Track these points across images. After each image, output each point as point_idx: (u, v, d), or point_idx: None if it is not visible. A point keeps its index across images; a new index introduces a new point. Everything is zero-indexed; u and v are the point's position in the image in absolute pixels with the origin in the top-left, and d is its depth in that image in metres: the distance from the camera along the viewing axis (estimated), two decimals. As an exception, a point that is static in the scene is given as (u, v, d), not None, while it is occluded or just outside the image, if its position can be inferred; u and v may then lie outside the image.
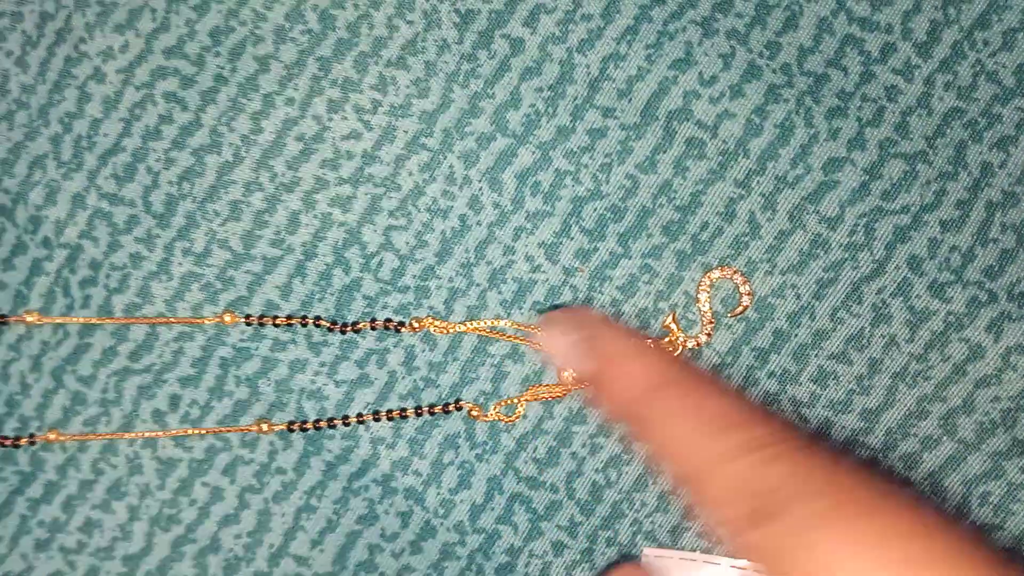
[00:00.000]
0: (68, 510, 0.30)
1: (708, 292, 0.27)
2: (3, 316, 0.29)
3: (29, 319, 0.29)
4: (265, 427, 0.29)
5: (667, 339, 0.27)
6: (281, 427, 0.29)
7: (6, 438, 0.29)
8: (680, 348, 0.27)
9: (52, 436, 0.29)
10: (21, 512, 0.30)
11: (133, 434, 0.29)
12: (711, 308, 0.27)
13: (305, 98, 0.29)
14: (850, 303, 0.27)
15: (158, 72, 0.29)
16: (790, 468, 0.20)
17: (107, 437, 0.29)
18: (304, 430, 0.29)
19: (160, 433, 0.29)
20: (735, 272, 0.27)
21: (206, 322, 0.29)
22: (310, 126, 0.29)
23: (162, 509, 0.29)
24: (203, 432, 0.29)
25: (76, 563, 0.30)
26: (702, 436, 0.21)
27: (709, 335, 0.27)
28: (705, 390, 0.22)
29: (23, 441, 0.29)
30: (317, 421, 0.29)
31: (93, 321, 0.29)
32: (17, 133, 0.30)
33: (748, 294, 0.27)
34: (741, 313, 0.27)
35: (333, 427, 0.28)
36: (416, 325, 0.28)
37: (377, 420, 0.28)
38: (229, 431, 0.29)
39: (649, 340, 0.27)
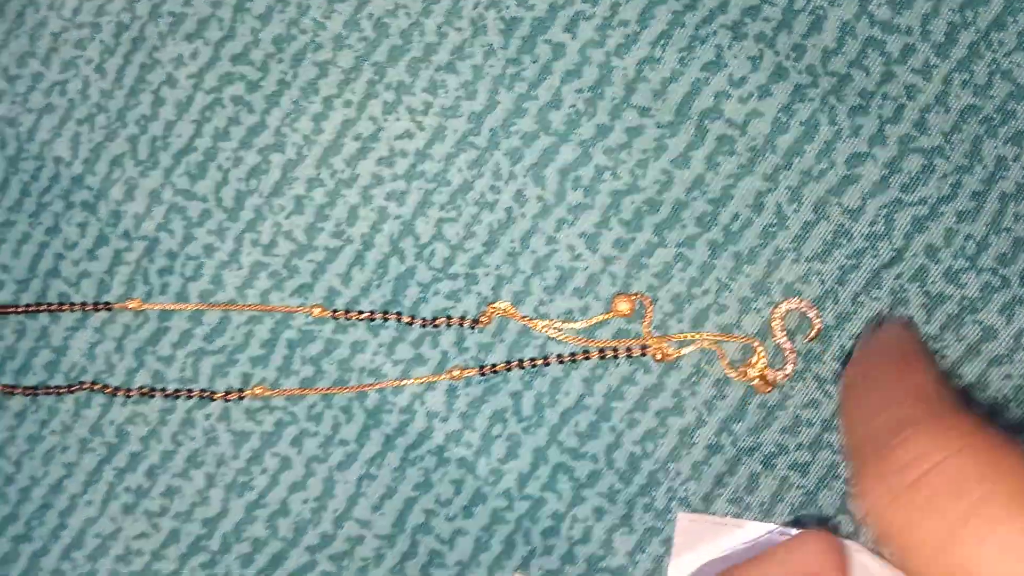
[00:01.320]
0: (151, 477, 0.32)
1: (781, 323, 0.28)
2: (108, 304, 0.31)
3: (131, 306, 0.31)
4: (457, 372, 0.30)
5: (761, 376, 0.28)
6: (473, 371, 0.30)
7: (218, 392, 0.31)
8: (775, 384, 0.28)
9: (258, 391, 0.31)
10: (109, 479, 0.32)
11: (344, 389, 0.31)
12: (788, 339, 0.28)
13: (362, 100, 0.30)
14: (870, 288, 0.28)
15: (226, 77, 0.31)
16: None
17: (318, 391, 0.31)
18: (493, 371, 0.30)
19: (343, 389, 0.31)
20: (801, 302, 0.28)
21: (300, 311, 0.30)
22: (366, 126, 0.30)
23: (236, 477, 0.31)
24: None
25: (159, 525, 0.32)
26: None
27: (794, 364, 0.28)
28: None
29: (233, 395, 0.31)
30: (509, 363, 0.30)
31: (202, 307, 0.31)
32: (98, 135, 0.32)
33: (818, 317, 0.28)
34: (815, 337, 0.28)
35: (534, 365, 0.30)
36: (486, 316, 0.30)
37: (547, 365, 0.30)
38: (434, 377, 0.30)
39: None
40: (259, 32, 0.31)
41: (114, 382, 0.32)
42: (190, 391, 0.31)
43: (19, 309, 0.32)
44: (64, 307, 0.32)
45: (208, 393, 0.31)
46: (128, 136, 0.32)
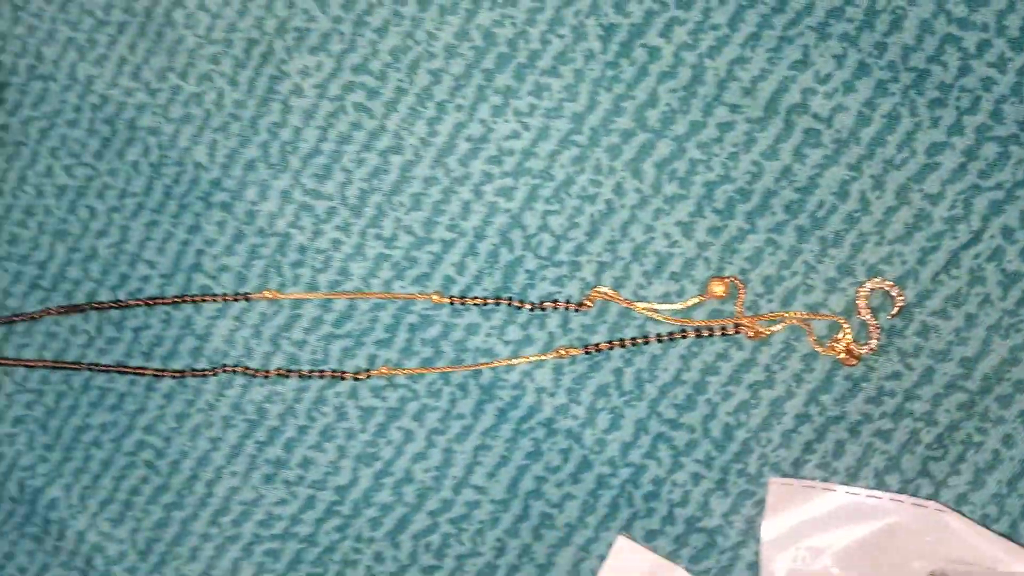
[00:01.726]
0: (288, 450, 0.35)
1: (866, 301, 0.30)
2: (247, 294, 0.35)
3: (268, 295, 0.34)
4: (563, 351, 0.32)
5: (847, 350, 0.30)
6: (578, 350, 0.32)
7: (348, 372, 0.34)
8: (859, 358, 0.30)
9: (384, 370, 0.34)
10: (250, 452, 0.35)
11: (459, 367, 0.33)
12: (872, 316, 0.30)
13: (472, 104, 0.33)
14: (950, 268, 0.30)
15: (348, 86, 0.34)
16: None
17: (437, 370, 0.34)
18: (597, 349, 0.32)
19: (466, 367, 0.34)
20: (884, 281, 0.29)
21: (420, 297, 0.33)
22: (477, 128, 0.33)
23: (364, 448, 0.34)
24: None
25: (297, 493, 0.35)
26: None
27: (877, 339, 0.30)
28: None
29: (361, 375, 0.34)
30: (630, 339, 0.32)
31: (332, 296, 0.34)
32: (232, 141, 0.35)
33: (901, 295, 0.29)
34: (897, 313, 0.30)
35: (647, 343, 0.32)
36: (589, 300, 0.32)
37: (647, 343, 0.32)
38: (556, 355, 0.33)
39: None
40: (377, 44, 0.33)
41: (253, 365, 0.35)
42: (322, 371, 0.34)
43: (166, 300, 0.36)
44: (207, 298, 0.35)
45: (339, 373, 0.34)
46: (260, 142, 0.34)
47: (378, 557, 0.34)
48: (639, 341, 0.32)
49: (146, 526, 0.36)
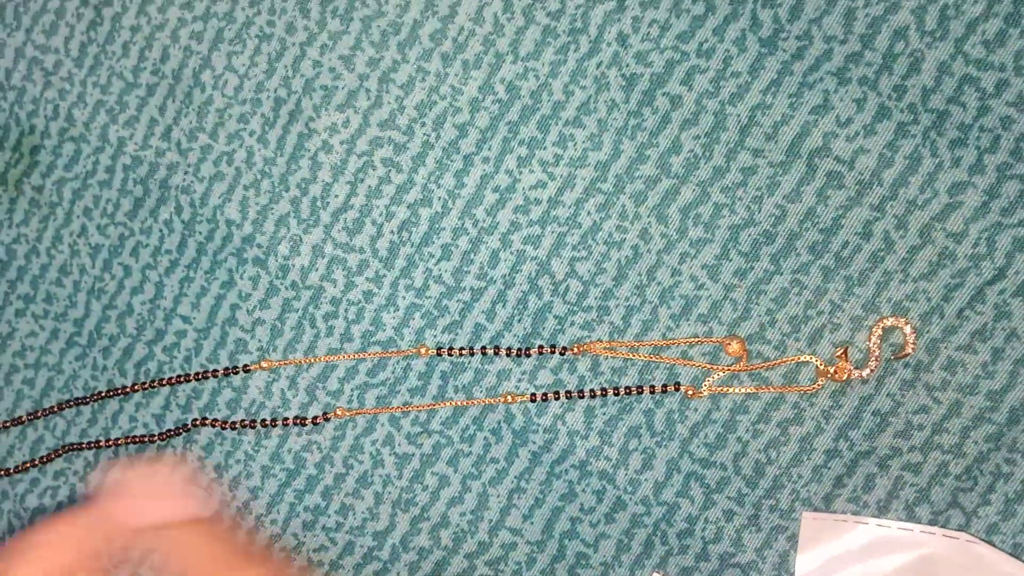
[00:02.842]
0: (326, 497, 0.32)
1: (879, 335, 0.27)
2: (246, 367, 0.32)
3: (265, 366, 0.32)
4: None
5: (836, 368, 0.28)
6: (524, 398, 0.30)
7: (304, 418, 0.32)
8: (847, 377, 0.28)
9: (340, 412, 0.31)
10: (290, 501, 0.33)
11: (422, 406, 0.31)
12: (880, 350, 0.27)
13: (498, 156, 0.30)
14: (974, 303, 0.28)
15: (375, 142, 0.31)
16: None
17: (385, 411, 0.31)
18: (544, 398, 0.30)
19: (432, 404, 0.31)
20: (906, 322, 0.27)
21: (409, 352, 0.31)
22: (503, 179, 0.30)
23: (401, 494, 0.32)
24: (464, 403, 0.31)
25: (336, 539, 0.32)
26: None
27: (872, 371, 0.28)
28: None
29: (320, 419, 0.32)
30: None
31: (327, 359, 0.32)
32: (263, 198, 0.32)
33: (913, 344, 0.27)
34: (905, 357, 0.27)
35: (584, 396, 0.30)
36: (577, 350, 0.30)
37: (584, 396, 0.30)
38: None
39: None
40: (403, 100, 0.31)
41: (290, 413, 0.32)
42: (285, 419, 0.32)
43: (162, 382, 0.33)
44: (200, 375, 0.33)
45: (300, 419, 0.32)
46: (291, 198, 0.32)
47: (418, 601, 0.32)
48: (574, 394, 0.30)
49: (188, 576, 0.33)
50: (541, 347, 0.30)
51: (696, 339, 0.29)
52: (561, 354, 0.30)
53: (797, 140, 0.28)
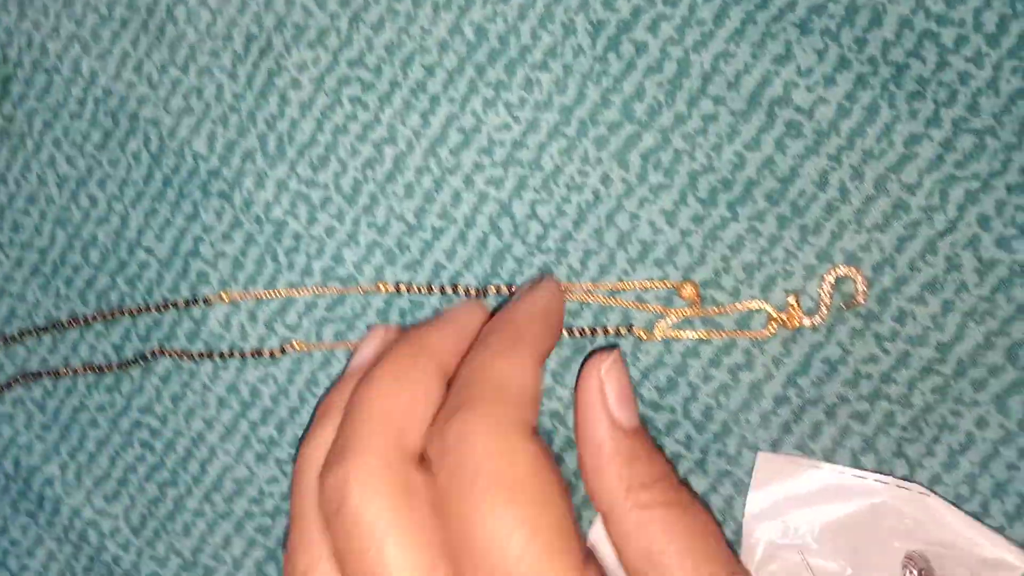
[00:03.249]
0: (281, 430, 0.31)
1: (831, 284, 0.27)
2: (206, 299, 0.31)
3: (224, 298, 0.31)
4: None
5: (786, 315, 0.27)
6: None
7: (260, 351, 0.31)
8: (797, 324, 0.27)
9: (297, 345, 0.31)
10: (244, 432, 0.32)
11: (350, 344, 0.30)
12: (831, 299, 0.27)
13: (464, 97, 0.30)
14: (926, 255, 0.27)
15: (343, 80, 0.30)
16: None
17: (341, 346, 0.31)
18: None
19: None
20: (858, 272, 0.27)
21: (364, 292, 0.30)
22: (469, 120, 0.30)
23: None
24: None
25: (288, 472, 0.31)
26: None
27: (823, 319, 0.27)
28: None
29: (277, 352, 0.31)
30: None
31: (291, 294, 0.30)
32: (231, 132, 0.31)
33: (864, 294, 0.26)
34: (855, 307, 0.27)
35: None
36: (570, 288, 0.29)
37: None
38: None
39: None
40: (372, 39, 0.30)
41: (247, 346, 0.31)
42: (242, 352, 0.31)
43: (123, 311, 0.32)
44: (163, 307, 0.31)
45: (256, 352, 0.31)
46: (258, 134, 0.31)
47: (368, 536, 0.31)
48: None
49: (140, 503, 0.32)
50: (499, 286, 0.29)
51: (651, 282, 0.28)
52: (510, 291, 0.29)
53: (758, 89, 0.27)
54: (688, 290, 0.28)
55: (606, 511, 0.23)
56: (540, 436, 0.23)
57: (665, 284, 0.28)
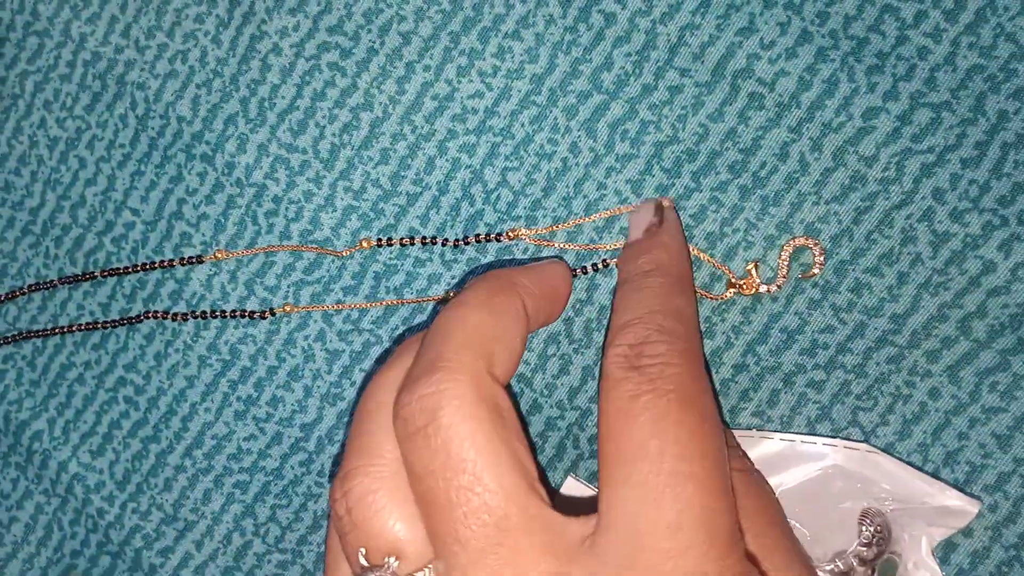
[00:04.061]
0: (259, 389, 0.33)
1: (790, 253, 0.28)
2: (199, 257, 0.32)
3: (220, 256, 0.32)
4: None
5: (745, 282, 0.28)
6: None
7: (252, 312, 0.32)
8: (754, 291, 0.28)
9: (288, 308, 0.32)
10: (224, 390, 0.33)
11: (365, 304, 0.32)
12: (788, 267, 0.28)
13: (439, 65, 0.31)
14: (883, 227, 0.28)
15: (323, 46, 0.32)
16: None
17: (332, 308, 0.32)
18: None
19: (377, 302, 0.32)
20: (816, 243, 0.28)
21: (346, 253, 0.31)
22: (443, 88, 0.31)
23: (330, 389, 0.32)
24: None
25: (265, 429, 0.33)
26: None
27: (779, 287, 0.28)
28: None
29: (267, 314, 0.32)
30: None
31: (273, 248, 0.32)
32: (214, 96, 0.33)
33: (821, 264, 0.28)
34: (812, 277, 0.28)
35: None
36: (511, 235, 0.30)
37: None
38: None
39: None
40: (351, 7, 0.31)
41: (228, 307, 0.33)
42: (232, 312, 0.32)
43: (118, 271, 0.33)
44: (157, 264, 0.33)
45: (245, 312, 0.32)
46: (240, 98, 0.32)
47: (339, 491, 0.32)
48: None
49: (124, 458, 0.34)
50: (479, 236, 0.30)
51: (620, 208, 0.29)
52: (497, 240, 0.30)
53: (723, 61, 0.28)
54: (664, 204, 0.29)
55: None
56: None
57: (633, 207, 0.29)
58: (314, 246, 0.32)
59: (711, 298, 0.29)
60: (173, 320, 0.33)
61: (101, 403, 0.34)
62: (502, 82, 0.30)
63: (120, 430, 0.34)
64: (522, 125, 0.30)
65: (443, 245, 0.31)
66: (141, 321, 0.33)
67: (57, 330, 0.34)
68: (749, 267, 0.28)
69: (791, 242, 0.28)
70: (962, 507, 0.27)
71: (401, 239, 0.31)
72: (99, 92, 0.34)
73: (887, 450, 0.29)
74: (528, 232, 0.30)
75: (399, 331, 0.32)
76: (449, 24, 0.30)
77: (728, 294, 0.29)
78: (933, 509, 0.27)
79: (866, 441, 0.29)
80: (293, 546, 0.33)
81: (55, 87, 0.34)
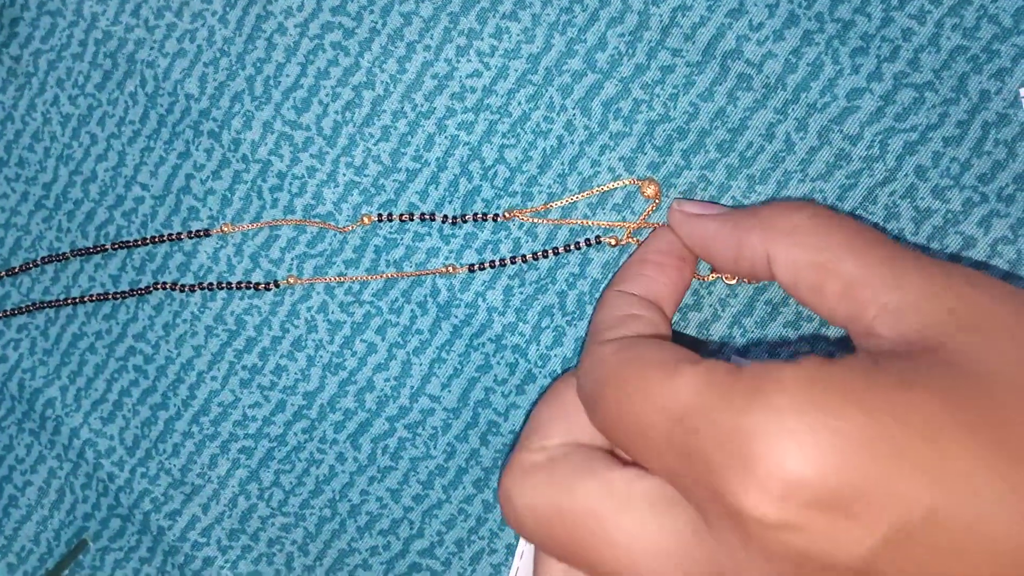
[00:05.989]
0: (263, 358, 0.35)
1: None
2: (207, 231, 0.34)
3: (226, 229, 0.34)
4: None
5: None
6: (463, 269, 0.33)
7: (258, 284, 0.34)
8: (735, 282, 0.30)
9: (291, 280, 0.34)
10: (230, 360, 0.35)
11: (366, 276, 0.34)
12: None
13: (439, 45, 0.33)
14: (867, 204, 0.30)
15: (327, 26, 0.33)
16: None
17: (334, 280, 0.34)
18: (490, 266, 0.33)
19: (387, 275, 0.34)
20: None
21: (351, 228, 0.33)
22: (442, 67, 0.33)
23: (332, 359, 0.34)
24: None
25: (270, 397, 0.35)
26: None
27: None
28: None
29: (271, 285, 0.34)
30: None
31: (273, 223, 0.34)
32: (221, 75, 0.35)
33: None
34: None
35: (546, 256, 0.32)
36: (507, 215, 0.32)
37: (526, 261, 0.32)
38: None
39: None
40: (354, -12, 0.33)
41: (233, 279, 0.35)
42: (239, 283, 0.34)
43: (129, 243, 0.35)
44: (167, 237, 0.35)
45: (251, 284, 0.34)
46: (246, 76, 0.34)
47: (340, 457, 0.34)
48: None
49: (134, 424, 0.36)
50: (476, 215, 0.32)
51: (613, 183, 0.31)
52: (494, 220, 0.32)
53: (713, 41, 0.30)
54: (651, 189, 0.31)
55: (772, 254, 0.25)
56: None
57: (628, 182, 0.31)
58: (317, 220, 0.34)
59: (698, 278, 0.31)
60: (181, 291, 0.35)
61: (112, 371, 0.36)
62: (499, 62, 0.32)
63: (130, 397, 0.36)
64: (519, 104, 0.32)
65: (442, 222, 0.33)
66: (150, 292, 0.35)
67: (69, 301, 0.36)
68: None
69: None
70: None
71: (400, 215, 0.33)
72: (110, 70, 0.36)
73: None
74: (523, 212, 0.32)
75: (399, 303, 0.34)
76: (449, 5, 0.32)
77: (712, 275, 0.30)
78: None
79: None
80: (296, 509, 0.35)
81: (68, 65, 0.36)
